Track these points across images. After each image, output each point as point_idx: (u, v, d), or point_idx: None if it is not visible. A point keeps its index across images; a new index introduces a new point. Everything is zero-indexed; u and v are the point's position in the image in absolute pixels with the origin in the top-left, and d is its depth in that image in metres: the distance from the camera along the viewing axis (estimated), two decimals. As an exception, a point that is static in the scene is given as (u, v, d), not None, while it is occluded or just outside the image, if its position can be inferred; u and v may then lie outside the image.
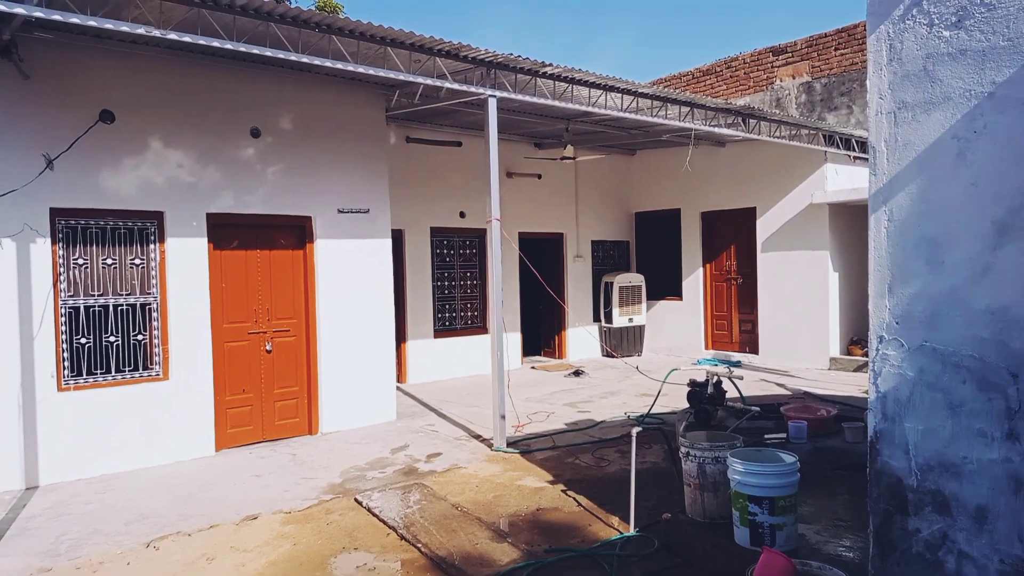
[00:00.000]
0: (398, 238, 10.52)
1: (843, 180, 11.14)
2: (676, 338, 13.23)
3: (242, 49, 5.59)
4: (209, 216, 7.12)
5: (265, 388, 7.51)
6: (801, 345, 11.32)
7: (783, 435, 6.06)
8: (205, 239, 7.09)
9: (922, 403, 3.19)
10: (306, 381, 7.78)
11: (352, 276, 8.06)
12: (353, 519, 5.19)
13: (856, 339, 11.11)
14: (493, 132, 7.10)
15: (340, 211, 7.98)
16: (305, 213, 7.76)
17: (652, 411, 7.68)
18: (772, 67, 13.77)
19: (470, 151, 11.21)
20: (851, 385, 9.42)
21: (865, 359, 10.48)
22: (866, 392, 3.51)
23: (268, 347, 7.52)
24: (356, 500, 5.56)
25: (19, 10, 4.64)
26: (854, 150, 11.03)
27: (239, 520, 5.20)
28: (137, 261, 6.75)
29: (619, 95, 8.42)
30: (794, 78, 13.38)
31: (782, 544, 3.81)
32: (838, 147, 10.79)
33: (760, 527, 3.86)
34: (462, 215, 11.42)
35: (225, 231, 7.29)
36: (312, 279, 7.80)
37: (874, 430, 3.36)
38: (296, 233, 7.76)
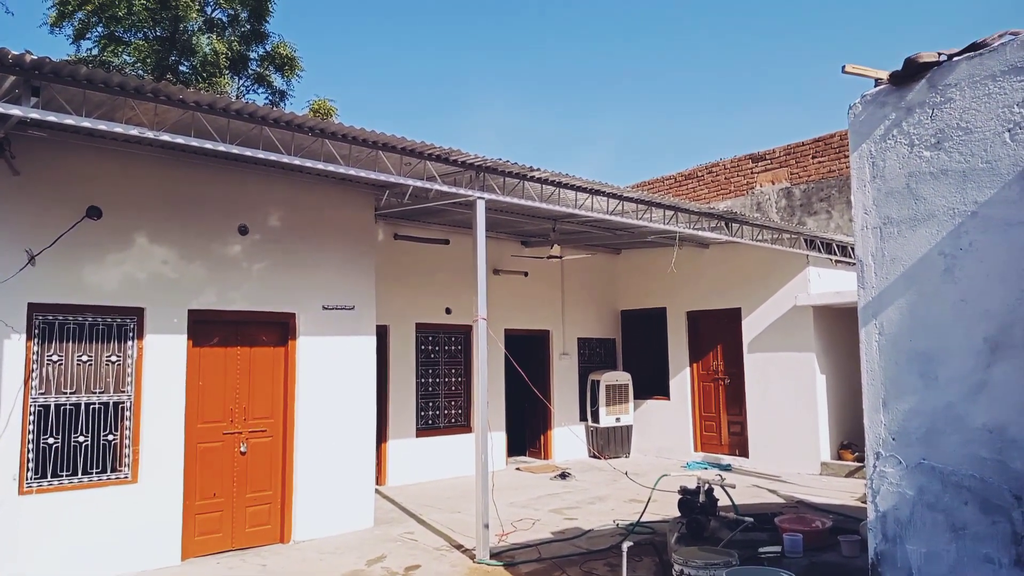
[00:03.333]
0: (383, 333, 10.41)
1: (826, 283, 11.28)
2: (664, 439, 12.98)
3: (235, 151, 5.66)
4: (191, 312, 7.01)
5: (237, 492, 7.18)
6: (791, 449, 11.12)
7: (778, 548, 5.80)
8: (185, 336, 6.95)
9: (923, 524, 3.06)
10: (280, 485, 7.46)
11: (334, 374, 7.90)
12: (324, 641, 4.84)
13: (846, 443, 10.94)
14: (481, 233, 7.16)
15: (325, 307, 7.91)
16: (289, 309, 7.67)
17: (642, 519, 7.39)
18: (752, 172, 14.23)
19: (457, 248, 11.30)
20: (844, 492, 9.19)
21: (856, 464, 10.29)
22: (860, 500, 3.38)
23: (243, 448, 7.25)
24: (328, 619, 5.21)
25: (15, 111, 4.69)
26: (835, 254, 11.23)
27: (200, 642, 4.83)
28: (113, 358, 6.58)
29: (604, 198, 8.59)
30: (773, 184, 13.80)
31: (784, 677, 3.55)
32: (819, 251, 10.99)
33: (760, 657, 3.61)
34: (448, 311, 11.38)
35: (206, 328, 7.16)
36: (292, 377, 7.62)
37: (875, 552, 3.21)
38: (278, 330, 7.65)
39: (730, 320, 12.17)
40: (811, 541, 5.89)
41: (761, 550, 5.69)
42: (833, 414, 11.05)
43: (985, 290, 2.97)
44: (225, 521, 7.06)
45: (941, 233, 3.13)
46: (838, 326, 11.09)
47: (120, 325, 6.64)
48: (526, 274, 12.56)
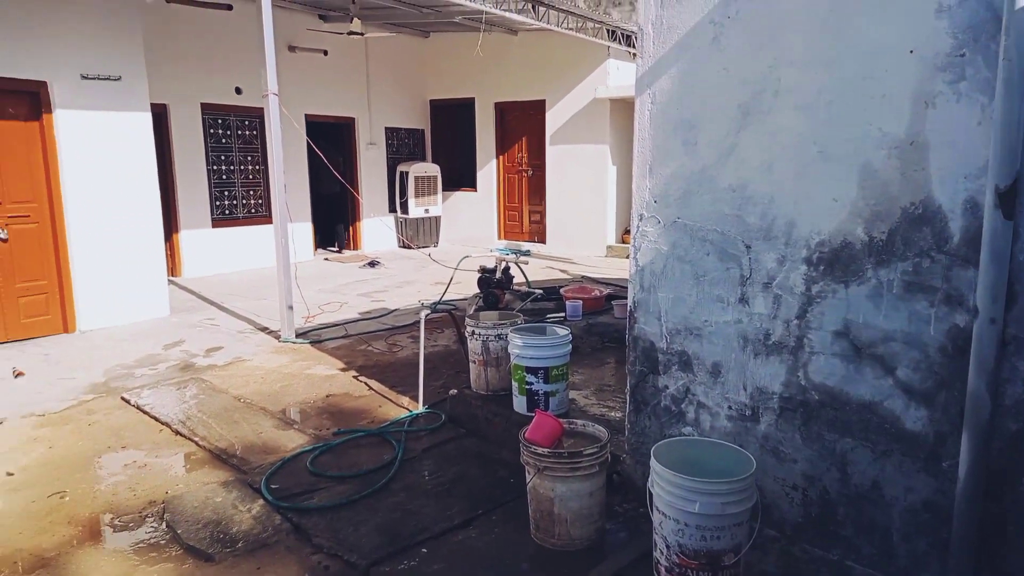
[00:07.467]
0: (162, 114, 9.39)
1: (624, 76, 11.66)
2: (471, 229, 13.46)
3: None
4: (-95, 76, 5.81)
5: (4, 283, 6.52)
6: (583, 234, 12.06)
7: (562, 314, 6.48)
8: (-98, 105, 5.80)
9: (673, 274, 3.52)
10: (56, 273, 6.86)
11: (105, 155, 7.09)
12: (120, 418, 4.80)
13: (629, 228, 12.03)
14: (268, -5, 6.41)
15: (84, 77, 6.89)
16: (39, 77, 6.59)
17: (445, 297, 7.80)
18: (565, -43, 13.76)
19: (244, 16, 10.05)
20: (623, 270, 10.23)
21: (638, 246, 11.42)
22: (633, 271, 3.78)
23: (2, 235, 6.48)
24: (123, 399, 5.13)
25: None
26: (634, 47, 11.52)
27: (-24, 429, 4.59)
28: None
29: (409, -32, 7.96)
30: (585, -30, 13.50)
31: (554, 408, 4.12)
32: (620, 43, 11.20)
33: (536, 395, 4.14)
34: (239, 91, 10.41)
35: (-70, 96, 6.00)
36: (53, 156, 6.74)
37: (633, 300, 3.68)
38: (28, 100, 6.60)
39: (536, 112, 12.36)
40: (590, 307, 6.64)
41: (548, 316, 6.32)
42: (621, 203, 11.99)
43: (745, 58, 3.21)
44: (-8, 314, 6.47)
45: (714, 1, 3.28)
46: (632, 120, 11.67)
47: None
48: (326, 53, 11.65)
